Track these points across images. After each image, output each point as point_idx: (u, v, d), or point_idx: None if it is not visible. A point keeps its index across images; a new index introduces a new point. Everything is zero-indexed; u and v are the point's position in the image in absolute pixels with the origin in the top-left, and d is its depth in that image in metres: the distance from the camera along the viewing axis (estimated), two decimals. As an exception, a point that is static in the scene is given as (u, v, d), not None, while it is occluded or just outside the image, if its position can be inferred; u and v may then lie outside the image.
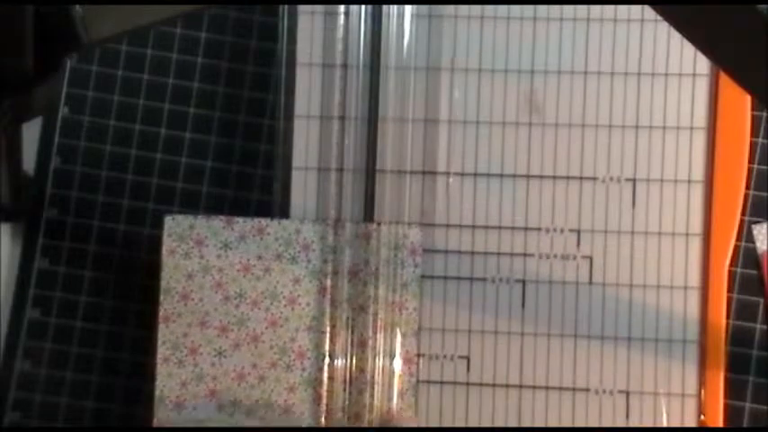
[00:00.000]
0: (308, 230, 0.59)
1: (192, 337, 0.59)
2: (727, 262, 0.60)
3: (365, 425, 0.59)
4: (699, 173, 0.60)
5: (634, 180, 0.60)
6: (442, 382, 0.59)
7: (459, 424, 0.59)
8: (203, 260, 0.59)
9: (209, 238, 0.59)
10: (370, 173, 0.60)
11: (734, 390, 0.59)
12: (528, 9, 0.60)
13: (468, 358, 0.60)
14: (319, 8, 0.61)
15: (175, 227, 0.59)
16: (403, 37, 0.60)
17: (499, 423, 0.59)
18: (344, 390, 0.59)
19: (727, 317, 0.60)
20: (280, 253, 0.59)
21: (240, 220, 0.59)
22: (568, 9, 0.60)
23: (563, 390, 0.60)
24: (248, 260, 0.59)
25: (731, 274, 0.60)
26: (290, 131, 0.61)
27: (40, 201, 0.62)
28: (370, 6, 0.60)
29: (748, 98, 0.60)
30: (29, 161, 0.62)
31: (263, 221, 0.59)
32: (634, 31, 0.60)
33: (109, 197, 0.62)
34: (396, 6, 0.60)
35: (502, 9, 0.60)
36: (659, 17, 0.44)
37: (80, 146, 0.63)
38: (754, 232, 0.60)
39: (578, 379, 0.60)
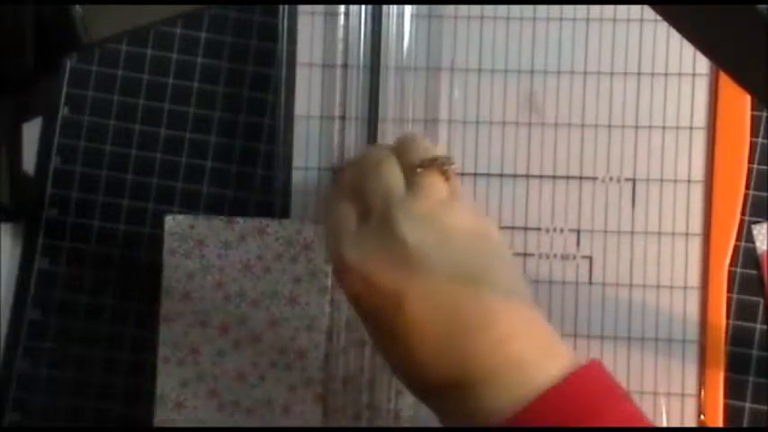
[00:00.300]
0: (308, 230, 0.59)
1: (193, 337, 0.59)
2: (727, 262, 0.60)
3: (365, 425, 0.59)
4: (699, 173, 0.60)
5: (634, 180, 0.60)
6: (442, 382, 0.59)
7: (460, 424, 0.59)
8: (204, 260, 0.59)
9: (209, 237, 0.59)
10: (370, 173, 0.60)
11: (734, 390, 0.59)
12: (528, 9, 0.60)
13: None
14: (319, 8, 0.61)
15: (176, 227, 0.59)
16: (403, 37, 0.60)
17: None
18: (344, 390, 0.59)
19: (727, 317, 0.60)
20: (280, 253, 0.59)
21: (241, 219, 0.59)
22: (568, 9, 0.60)
23: (563, 390, 0.59)
24: (249, 260, 0.59)
25: (731, 274, 0.60)
26: (289, 131, 0.61)
27: (40, 201, 0.62)
28: (370, 6, 0.60)
29: (748, 98, 0.60)
30: (29, 161, 0.62)
31: (264, 221, 0.59)
32: (634, 31, 0.60)
33: (109, 197, 0.62)
34: (396, 6, 0.60)
35: (502, 9, 0.60)
36: (659, 17, 0.44)
37: (80, 146, 0.63)
38: (754, 232, 0.60)
39: (578, 379, 0.59)
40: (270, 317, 0.59)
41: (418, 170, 0.48)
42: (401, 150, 0.49)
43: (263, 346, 0.59)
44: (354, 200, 0.48)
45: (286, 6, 0.61)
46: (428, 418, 0.59)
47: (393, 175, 0.48)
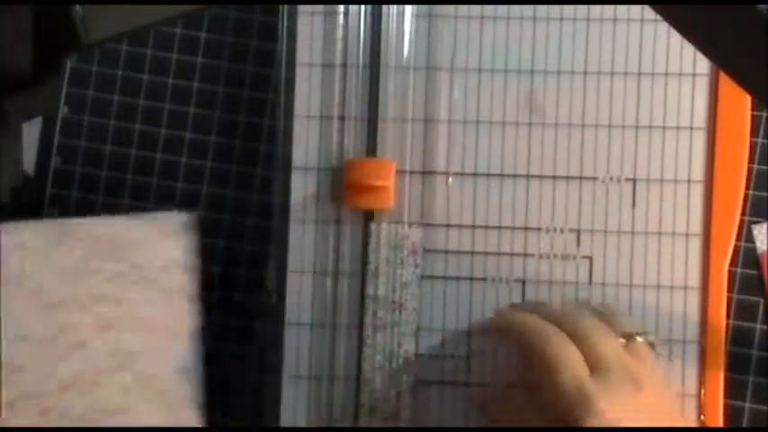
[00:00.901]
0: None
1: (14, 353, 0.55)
2: (727, 262, 0.60)
3: (365, 425, 0.59)
4: (699, 173, 0.60)
5: (634, 180, 0.60)
6: (441, 382, 0.59)
7: (459, 424, 0.59)
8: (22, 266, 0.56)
9: (32, 241, 0.56)
10: (370, 173, 0.60)
11: (734, 390, 0.59)
12: (528, 9, 0.60)
13: (468, 358, 0.60)
14: (319, 8, 0.61)
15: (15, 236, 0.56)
16: (403, 37, 0.60)
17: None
18: (344, 390, 0.59)
19: (727, 317, 0.60)
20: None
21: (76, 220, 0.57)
22: (568, 9, 0.60)
23: (563, 390, 0.59)
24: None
25: (731, 274, 0.60)
26: (289, 131, 0.61)
27: (40, 201, 0.62)
28: (369, 6, 0.60)
29: (748, 98, 0.60)
30: (29, 161, 0.62)
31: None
32: (634, 31, 0.60)
33: (109, 197, 0.62)
34: (396, 6, 0.60)
35: (502, 9, 0.60)
36: (659, 17, 0.44)
37: (80, 146, 0.63)
38: (754, 232, 0.60)
39: (578, 379, 0.59)
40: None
41: (637, 337, 0.54)
42: (609, 321, 0.55)
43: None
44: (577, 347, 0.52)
45: (286, 6, 0.61)
46: (428, 418, 0.60)
47: (613, 338, 0.53)
